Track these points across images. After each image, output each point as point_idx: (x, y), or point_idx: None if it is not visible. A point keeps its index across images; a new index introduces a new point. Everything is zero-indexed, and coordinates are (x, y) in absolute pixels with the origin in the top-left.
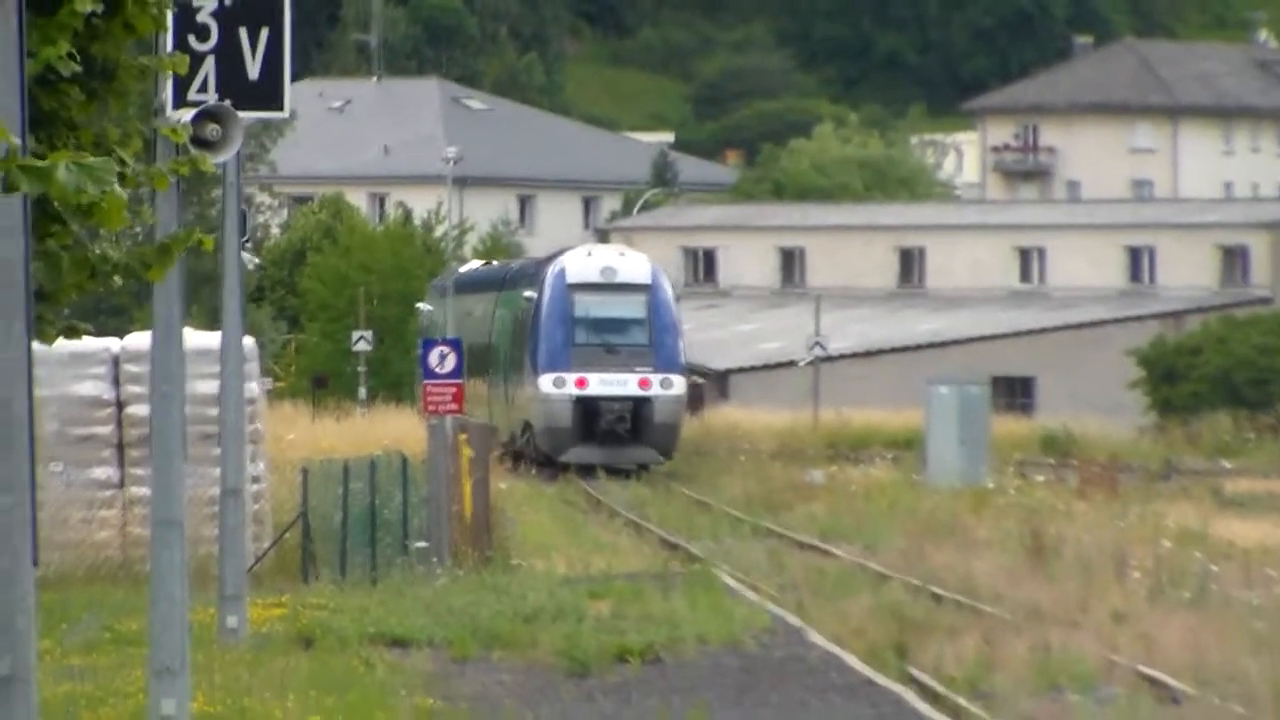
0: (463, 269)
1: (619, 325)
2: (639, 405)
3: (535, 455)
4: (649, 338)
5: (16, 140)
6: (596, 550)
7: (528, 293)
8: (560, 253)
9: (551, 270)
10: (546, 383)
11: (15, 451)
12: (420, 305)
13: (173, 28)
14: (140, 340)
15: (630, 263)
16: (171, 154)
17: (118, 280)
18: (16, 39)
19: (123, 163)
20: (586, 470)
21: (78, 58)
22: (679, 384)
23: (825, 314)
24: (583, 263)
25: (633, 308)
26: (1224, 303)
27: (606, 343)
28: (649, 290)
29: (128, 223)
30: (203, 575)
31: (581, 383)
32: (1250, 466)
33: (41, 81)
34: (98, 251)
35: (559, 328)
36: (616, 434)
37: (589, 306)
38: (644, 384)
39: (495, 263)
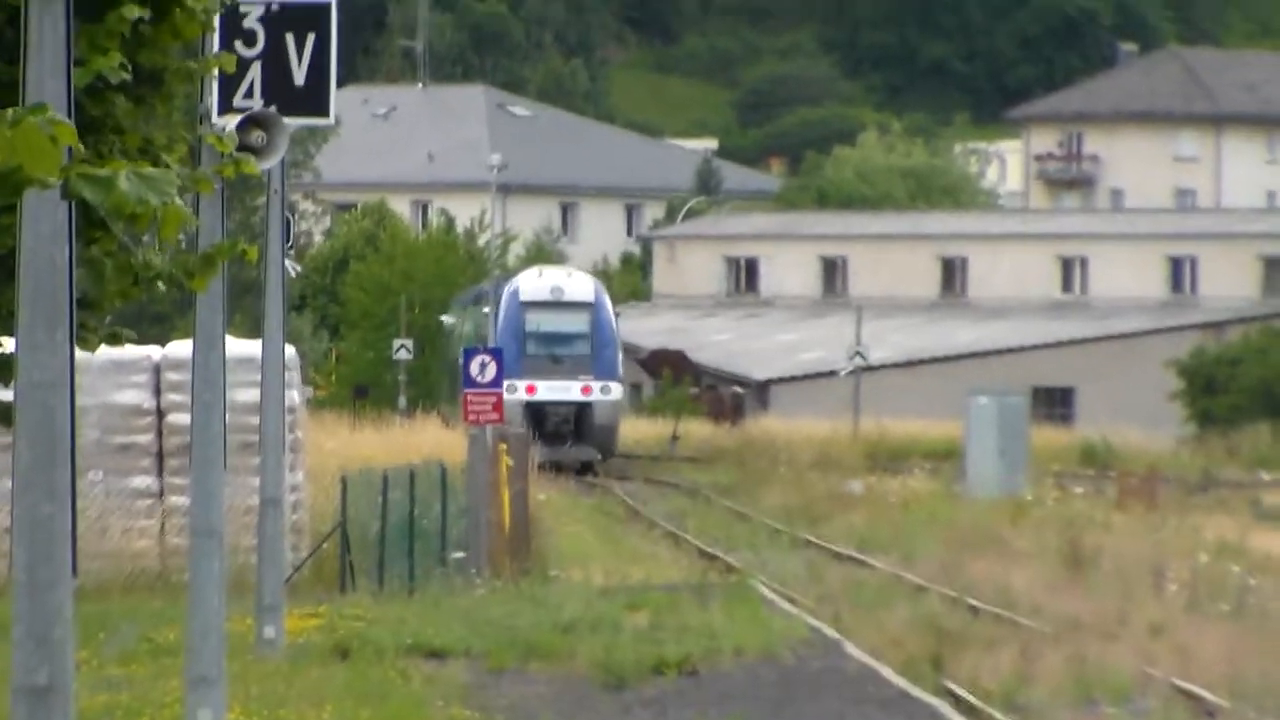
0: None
1: (564, 339)
2: (581, 409)
3: None
4: (591, 349)
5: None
6: (634, 561)
7: (486, 309)
8: (514, 273)
9: (507, 289)
10: None
11: (57, 460)
12: (444, 318)
13: (219, 34)
14: (182, 348)
15: (576, 282)
16: (216, 160)
17: (161, 287)
18: (65, 47)
19: (168, 167)
20: (625, 480)
21: (128, 66)
22: (616, 390)
23: (866, 324)
24: (534, 282)
25: (577, 323)
26: (1265, 313)
27: (553, 354)
28: (591, 308)
29: (180, 234)
30: (240, 585)
31: (531, 389)
32: None
33: (89, 89)
34: (141, 259)
35: (512, 340)
36: (561, 435)
37: (539, 321)
38: (586, 391)
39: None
